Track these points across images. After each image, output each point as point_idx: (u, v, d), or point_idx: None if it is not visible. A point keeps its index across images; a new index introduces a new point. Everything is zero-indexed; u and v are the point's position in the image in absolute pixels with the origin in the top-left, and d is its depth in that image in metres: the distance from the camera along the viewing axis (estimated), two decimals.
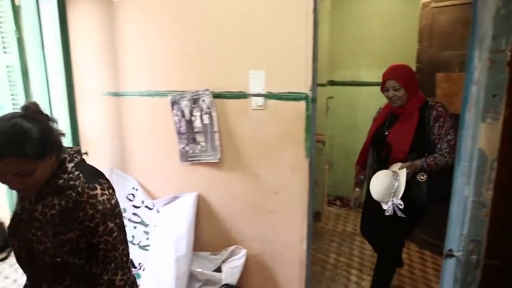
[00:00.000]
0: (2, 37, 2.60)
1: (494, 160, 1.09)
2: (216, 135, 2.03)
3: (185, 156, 2.16)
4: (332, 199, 4.09)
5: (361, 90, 3.87)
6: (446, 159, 1.90)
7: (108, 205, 1.12)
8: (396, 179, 1.94)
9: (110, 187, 1.17)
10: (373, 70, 3.68)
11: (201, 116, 2.04)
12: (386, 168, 2.06)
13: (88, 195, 1.08)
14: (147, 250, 2.35)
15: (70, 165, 1.13)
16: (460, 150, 1.26)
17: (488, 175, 1.07)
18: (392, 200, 1.95)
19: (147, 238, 2.37)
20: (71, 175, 1.12)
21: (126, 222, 2.42)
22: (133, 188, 2.42)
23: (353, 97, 3.93)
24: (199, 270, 2.11)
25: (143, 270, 2.36)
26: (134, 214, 2.42)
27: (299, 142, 1.87)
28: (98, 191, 1.11)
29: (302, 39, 1.76)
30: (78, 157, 1.18)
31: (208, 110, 2.02)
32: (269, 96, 1.89)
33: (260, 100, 1.90)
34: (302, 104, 1.82)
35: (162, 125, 2.21)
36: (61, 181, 1.10)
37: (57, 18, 2.24)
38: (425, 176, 1.94)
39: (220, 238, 2.19)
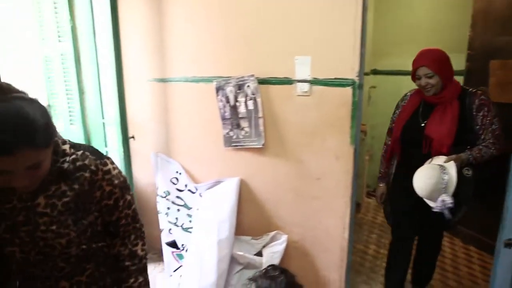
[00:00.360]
0: (58, 27, 2.73)
1: None
2: (260, 121, 2.05)
3: (228, 141, 2.20)
4: (372, 191, 4.02)
5: (405, 79, 3.67)
6: (491, 150, 1.77)
7: (122, 178, 1.10)
8: (444, 173, 1.75)
9: (113, 160, 1.14)
10: None
11: (245, 102, 2.06)
12: (412, 161, 1.90)
13: (102, 171, 1.04)
14: (190, 232, 2.42)
15: (66, 147, 1.02)
16: None
17: None
18: (443, 197, 1.75)
19: (190, 221, 2.45)
20: (74, 156, 1.01)
21: (169, 204, 2.50)
22: (177, 172, 2.50)
23: (396, 86, 3.79)
24: (241, 253, 2.15)
25: (186, 251, 2.44)
26: (178, 197, 2.49)
27: (344, 129, 1.85)
28: (110, 166, 1.07)
29: (350, 24, 1.73)
30: (66, 138, 1.07)
31: (252, 95, 2.03)
32: (314, 82, 1.87)
33: (306, 86, 1.89)
34: (348, 90, 1.79)
35: (207, 110, 2.25)
36: (66, 165, 0.99)
37: (108, 6, 2.32)
38: (470, 171, 1.81)
39: (261, 223, 2.22)
